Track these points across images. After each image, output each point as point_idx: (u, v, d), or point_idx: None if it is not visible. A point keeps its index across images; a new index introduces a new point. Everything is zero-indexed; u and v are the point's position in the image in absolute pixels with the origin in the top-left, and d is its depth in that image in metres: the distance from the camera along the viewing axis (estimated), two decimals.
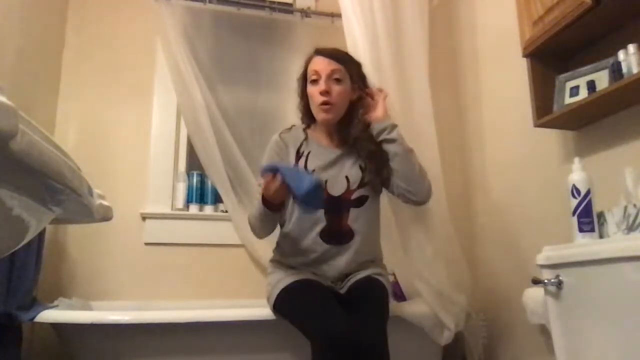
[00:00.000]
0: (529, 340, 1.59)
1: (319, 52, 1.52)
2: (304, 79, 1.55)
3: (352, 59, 1.55)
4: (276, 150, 1.54)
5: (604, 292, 1.02)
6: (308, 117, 1.58)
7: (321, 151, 1.53)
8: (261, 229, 1.51)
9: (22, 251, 1.46)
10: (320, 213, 1.46)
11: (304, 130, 1.58)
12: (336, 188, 1.49)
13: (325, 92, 1.45)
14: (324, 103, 1.46)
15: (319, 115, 1.49)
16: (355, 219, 1.49)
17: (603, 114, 1.31)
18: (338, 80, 1.47)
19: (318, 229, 1.46)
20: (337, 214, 1.48)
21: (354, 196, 1.50)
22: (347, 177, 1.50)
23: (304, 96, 1.56)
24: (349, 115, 1.52)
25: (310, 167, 1.49)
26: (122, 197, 2.01)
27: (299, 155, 1.52)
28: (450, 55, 2.18)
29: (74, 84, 2.16)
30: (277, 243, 1.58)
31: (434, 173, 1.75)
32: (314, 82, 1.48)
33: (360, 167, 1.52)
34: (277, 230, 1.57)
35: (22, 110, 0.56)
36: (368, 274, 1.49)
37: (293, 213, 1.50)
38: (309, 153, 1.52)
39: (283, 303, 1.43)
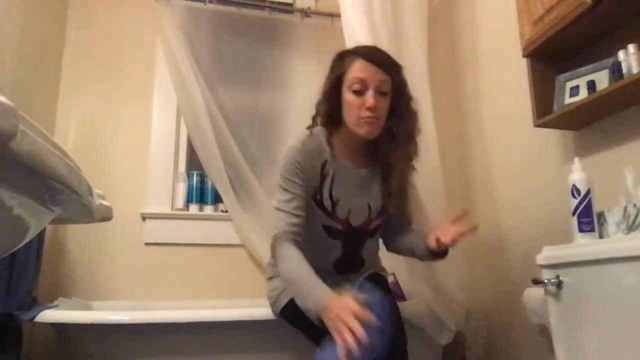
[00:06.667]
0: (529, 340, 1.59)
1: (365, 56, 1.30)
2: (337, 80, 1.32)
3: (396, 65, 1.35)
4: (300, 162, 1.31)
5: (604, 292, 1.02)
6: (333, 123, 1.36)
7: (347, 173, 1.36)
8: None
9: (22, 251, 1.46)
10: (337, 244, 1.36)
11: (328, 139, 1.36)
12: (357, 218, 1.37)
13: (375, 108, 1.27)
14: (370, 117, 1.28)
15: (362, 128, 1.29)
16: (368, 248, 1.44)
17: (603, 114, 1.31)
18: (384, 94, 1.30)
19: (332, 259, 1.36)
20: (353, 246, 1.38)
21: (372, 225, 1.40)
22: (369, 205, 1.38)
23: (334, 99, 1.33)
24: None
25: (335, 195, 1.34)
26: (122, 197, 2.01)
27: (323, 175, 1.33)
28: (450, 55, 2.18)
29: (74, 84, 2.16)
30: None
31: (434, 173, 1.76)
32: (358, 92, 1.28)
33: (383, 194, 1.39)
34: None
35: (22, 110, 0.56)
36: (372, 271, 1.47)
37: (309, 232, 1.32)
38: (334, 175, 1.34)
39: (294, 312, 1.29)
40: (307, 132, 1.36)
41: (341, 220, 1.35)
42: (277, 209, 1.31)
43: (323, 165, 1.32)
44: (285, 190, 1.30)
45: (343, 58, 1.34)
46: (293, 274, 1.21)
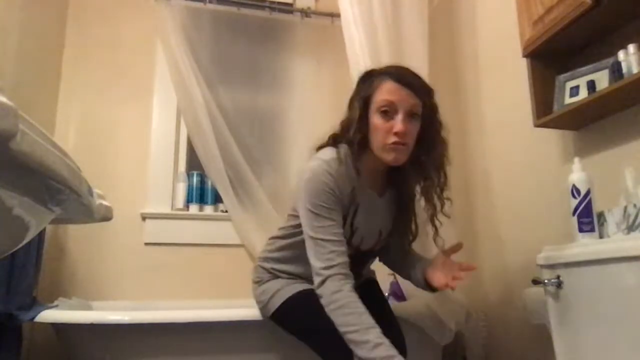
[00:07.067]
0: (529, 340, 1.59)
1: (395, 77, 1.21)
2: (364, 103, 1.23)
3: (428, 89, 1.27)
4: (332, 187, 1.21)
5: (604, 292, 1.02)
6: (362, 148, 1.24)
7: (370, 203, 1.31)
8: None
9: (22, 251, 1.46)
10: None
11: (354, 164, 1.25)
12: (368, 244, 1.35)
13: (403, 134, 1.18)
14: (398, 143, 1.19)
15: (389, 154, 1.21)
16: (369, 265, 1.47)
17: (603, 114, 1.31)
18: (413, 119, 1.21)
19: None
20: (358, 266, 1.34)
21: (378, 247, 1.39)
22: (380, 231, 1.36)
23: (363, 125, 1.23)
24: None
25: (355, 224, 1.29)
26: (122, 197, 2.01)
27: (350, 204, 1.28)
28: (450, 55, 2.18)
29: (74, 84, 2.16)
30: (279, 259, 1.38)
31: None
32: (385, 113, 1.19)
33: (396, 221, 1.39)
34: (277, 240, 1.43)
35: (22, 110, 0.56)
36: (364, 278, 1.47)
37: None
38: (358, 205, 1.28)
39: (286, 315, 1.31)
40: (334, 155, 1.24)
41: (353, 247, 1.31)
42: (315, 237, 1.19)
43: (350, 193, 1.26)
44: (320, 216, 1.20)
45: (371, 78, 1.25)
46: (362, 336, 1.11)
